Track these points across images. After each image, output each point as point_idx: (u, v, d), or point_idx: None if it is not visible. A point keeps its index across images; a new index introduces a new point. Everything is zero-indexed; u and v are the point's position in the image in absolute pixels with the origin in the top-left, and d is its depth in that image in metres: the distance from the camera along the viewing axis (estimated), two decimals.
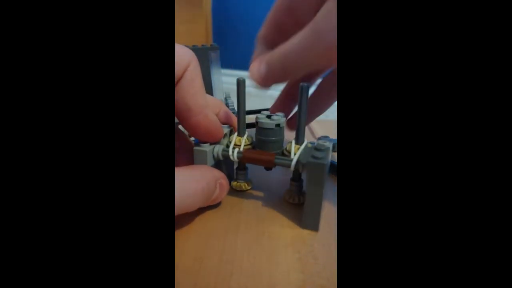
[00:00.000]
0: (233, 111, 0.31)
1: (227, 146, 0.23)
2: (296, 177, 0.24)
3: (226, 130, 0.24)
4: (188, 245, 0.19)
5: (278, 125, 0.22)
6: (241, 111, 0.23)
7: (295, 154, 0.21)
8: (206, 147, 0.22)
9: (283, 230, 0.21)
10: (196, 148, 0.22)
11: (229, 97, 0.34)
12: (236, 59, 1.37)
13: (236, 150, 0.23)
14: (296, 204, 0.24)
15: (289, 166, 0.21)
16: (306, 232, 0.21)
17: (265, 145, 0.23)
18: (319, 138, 0.23)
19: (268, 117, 0.23)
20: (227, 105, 0.32)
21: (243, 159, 0.23)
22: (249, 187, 0.26)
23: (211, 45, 0.35)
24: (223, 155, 0.23)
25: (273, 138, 0.23)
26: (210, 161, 0.22)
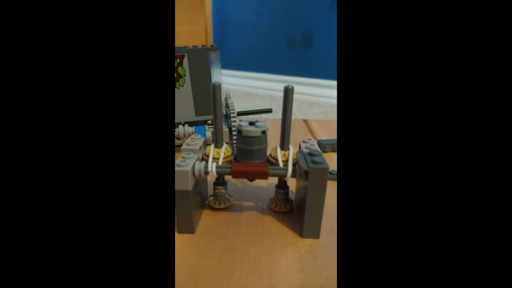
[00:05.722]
0: (233, 113, 0.30)
1: (203, 160, 0.21)
2: (282, 184, 0.22)
3: (199, 142, 0.21)
4: (188, 245, 0.19)
5: (263, 132, 0.20)
6: (218, 119, 0.20)
7: (282, 161, 0.20)
8: (186, 166, 0.19)
9: (282, 230, 0.21)
10: (176, 169, 0.18)
11: (229, 97, 0.34)
12: (236, 59, 1.37)
13: (215, 164, 0.20)
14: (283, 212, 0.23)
15: (284, 176, 0.20)
16: None
17: (249, 154, 0.21)
18: (303, 141, 0.22)
19: (251, 124, 0.21)
20: (226, 105, 0.32)
21: (234, 174, 0.20)
22: (230, 203, 0.23)
23: (211, 45, 0.35)
24: (205, 173, 0.20)
25: (258, 147, 0.20)
26: (192, 181, 0.19)
